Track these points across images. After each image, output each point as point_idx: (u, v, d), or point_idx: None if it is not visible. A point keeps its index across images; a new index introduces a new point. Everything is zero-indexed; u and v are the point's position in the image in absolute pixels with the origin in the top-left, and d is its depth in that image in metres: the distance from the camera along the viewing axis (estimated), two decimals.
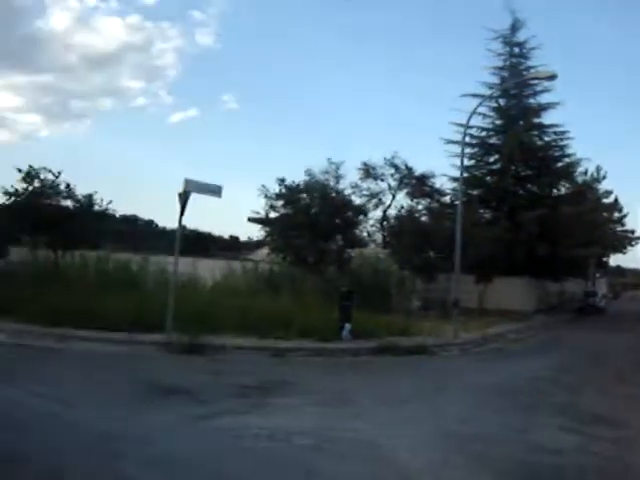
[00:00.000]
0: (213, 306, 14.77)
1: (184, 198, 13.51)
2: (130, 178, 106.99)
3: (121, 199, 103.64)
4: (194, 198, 13.51)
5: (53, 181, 19.56)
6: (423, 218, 27.76)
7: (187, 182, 13.55)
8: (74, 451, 5.73)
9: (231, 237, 71.31)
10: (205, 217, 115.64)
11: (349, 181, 18.76)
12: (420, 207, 30.22)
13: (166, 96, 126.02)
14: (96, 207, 19.96)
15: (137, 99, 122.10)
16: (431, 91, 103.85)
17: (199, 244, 48.49)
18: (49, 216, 18.58)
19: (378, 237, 32.88)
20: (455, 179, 30.54)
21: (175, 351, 11.93)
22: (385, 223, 32.18)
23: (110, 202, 20.31)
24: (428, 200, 31.33)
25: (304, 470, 5.54)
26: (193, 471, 5.39)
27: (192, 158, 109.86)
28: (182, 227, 14.16)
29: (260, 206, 18.73)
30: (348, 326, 14.80)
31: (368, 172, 32.93)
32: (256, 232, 20.66)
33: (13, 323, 13.20)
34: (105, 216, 20.41)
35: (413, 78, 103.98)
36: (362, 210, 20.47)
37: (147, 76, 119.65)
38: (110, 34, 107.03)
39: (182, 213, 13.63)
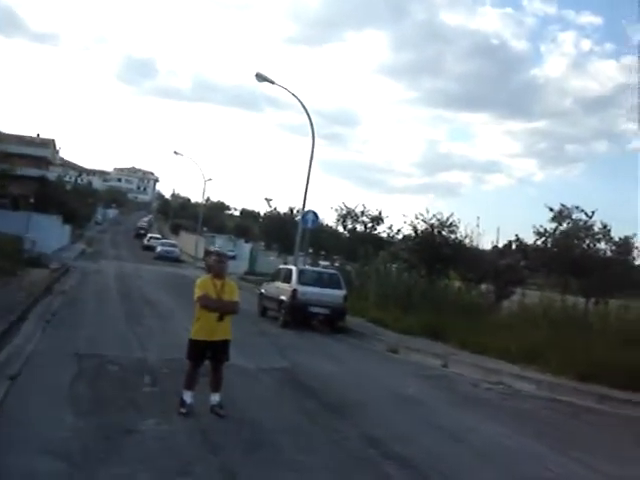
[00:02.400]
0: None
1: None
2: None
3: None
4: None
5: (586, 221, 18.54)
6: None
7: None
8: None
9: None
10: None
11: None
12: None
13: None
14: (635, 253, 18.20)
15: (632, 142, 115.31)
16: None
17: None
18: (581, 259, 17.45)
19: None
20: None
21: None
22: None
23: None
24: None
25: None
26: None
27: None
28: None
29: None
30: None
31: None
32: None
33: (539, 373, 12.16)
34: None
35: None
36: None
37: None
38: (604, 77, 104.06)
39: None
